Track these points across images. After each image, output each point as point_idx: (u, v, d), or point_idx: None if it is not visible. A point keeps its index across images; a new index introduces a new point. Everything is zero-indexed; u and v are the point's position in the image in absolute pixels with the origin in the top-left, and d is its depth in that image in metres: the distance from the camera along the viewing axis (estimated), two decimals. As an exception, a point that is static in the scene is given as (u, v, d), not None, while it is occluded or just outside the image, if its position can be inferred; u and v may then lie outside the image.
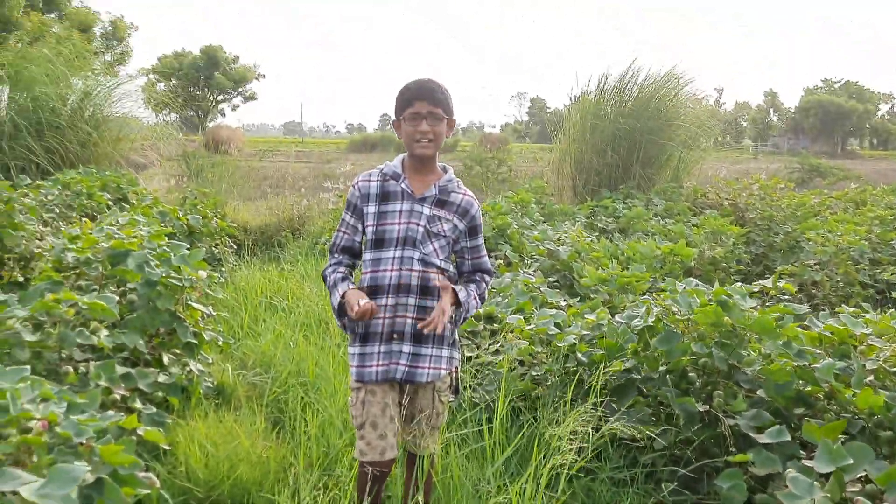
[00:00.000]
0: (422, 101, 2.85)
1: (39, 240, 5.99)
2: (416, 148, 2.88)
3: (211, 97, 67.20)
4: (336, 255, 3.02)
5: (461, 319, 3.00)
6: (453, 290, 2.86)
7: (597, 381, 3.59)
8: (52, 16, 36.01)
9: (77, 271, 4.25)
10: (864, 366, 3.63)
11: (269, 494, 3.43)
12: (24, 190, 7.63)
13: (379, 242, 2.89)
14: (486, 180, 20.51)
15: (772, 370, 3.43)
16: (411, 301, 2.87)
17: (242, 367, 5.04)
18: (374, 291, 2.87)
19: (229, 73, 65.15)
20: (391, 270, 2.85)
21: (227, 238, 8.43)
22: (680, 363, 3.72)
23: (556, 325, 4.22)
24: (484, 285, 3.09)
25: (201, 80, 66.03)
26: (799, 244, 8.65)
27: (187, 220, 7.48)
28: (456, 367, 3.07)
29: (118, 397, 3.44)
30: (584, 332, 4.09)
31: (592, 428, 3.46)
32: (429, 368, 2.89)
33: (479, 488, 3.28)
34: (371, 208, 2.92)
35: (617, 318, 4.22)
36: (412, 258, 2.86)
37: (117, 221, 5.23)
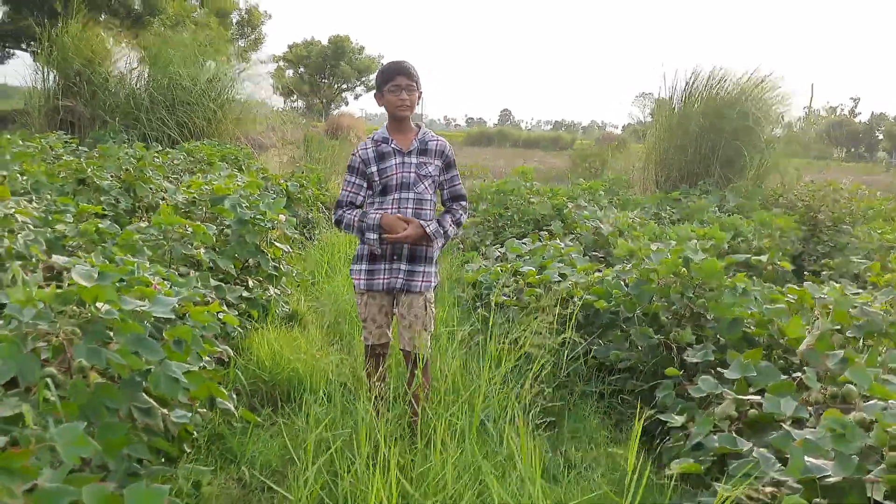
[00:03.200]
0: (401, 76, 3.82)
1: (164, 192, 7.22)
2: (398, 112, 3.85)
3: (335, 86, 69.53)
4: (343, 209, 3.93)
5: (439, 243, 3.91)
6: (421, 224, 3.77)
7: (577, 312, 4.48)
8: (194, 2, 38.12)
9: (186, 211, 5.39)
10: (816, 321, 4.36)
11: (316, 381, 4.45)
12: (154, 154, 8.96)
13: (383, 190, 3.87)
14: (587, 177, 21.26)
15: (718, 308, 4.24)
16: None
17: (316, 301, 6.11)
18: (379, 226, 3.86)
19: (354, 63, 67.13)
20: (391, 209, 3.84)
21: (320, 205, 9.56)
22: (652, 307, 4.56)
23: (562, 275, 5.11)
24: (460, 212, 4.02)
25: (328, 68, 68.34)
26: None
27: (287, 185, 8.64)
28: (436, 284, 4.03)
29: (209, 301, 4.52)
30: (581, 280, 4.97)
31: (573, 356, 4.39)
32: (421, 281, 3.87)
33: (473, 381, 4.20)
34: (373, 167, 3.88)
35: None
36: (407, 198, 3.84)
37: (220, 175, 6.39)
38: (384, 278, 3.88)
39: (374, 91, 3.96)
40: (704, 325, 4.51)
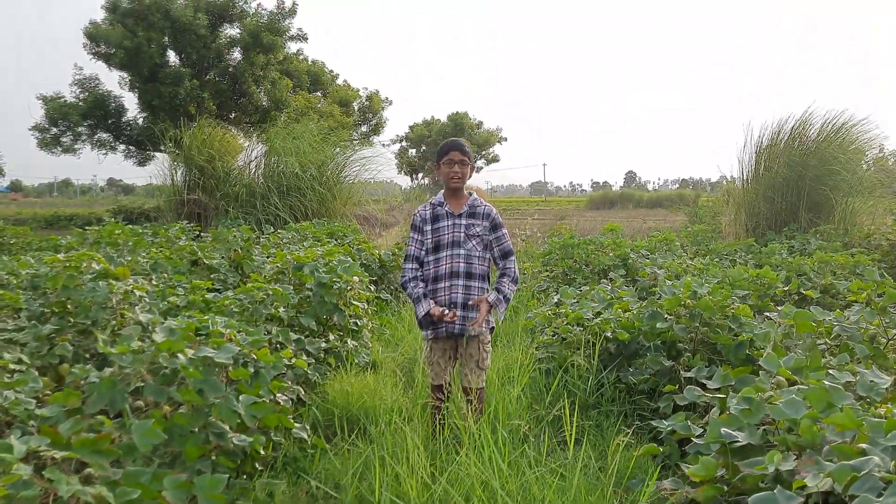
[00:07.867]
0: (454, 152, 4.63)
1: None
2: (451, 183, 4.65)
3: (457, 161, 71.45)
4: (410, 263, 4.73)
5: (502, 308, 4.61)
6: (486, 300, 4.52)
7: (604, 345, 5.14)
8: (318, 94, 40.35)
9: (276, 279, 6.37)
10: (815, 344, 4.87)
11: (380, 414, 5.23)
12: (267, 235, 10.13)
13: (436, 248, 4.66)
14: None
15: (717, 337, 4.83)
16: (459, 283, 4.59)
17: (395, 352, 6.94)
18: (435, 279, 4.63)
19: (474, 138, 69.14)
20: (445, 265, 4.61)
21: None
22: (668, 336, 5.17)
23: (596, 313, 5.77)
24: (513, 270, 4.71)
25: (448, 144, 70.47)
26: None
27: (380, 255, 9.59)
28: (492, 328, 4.75)
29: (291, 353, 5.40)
30: (611, 317, 5.62)
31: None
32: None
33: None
34: (428, 227, 4.69)
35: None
36: (458, 254, 4.60)
37: (303, 247, 7.39)
38: (444, 326, 4.58)
39: (434, 164, 4.78)
40: (722, 350, 5.09)
